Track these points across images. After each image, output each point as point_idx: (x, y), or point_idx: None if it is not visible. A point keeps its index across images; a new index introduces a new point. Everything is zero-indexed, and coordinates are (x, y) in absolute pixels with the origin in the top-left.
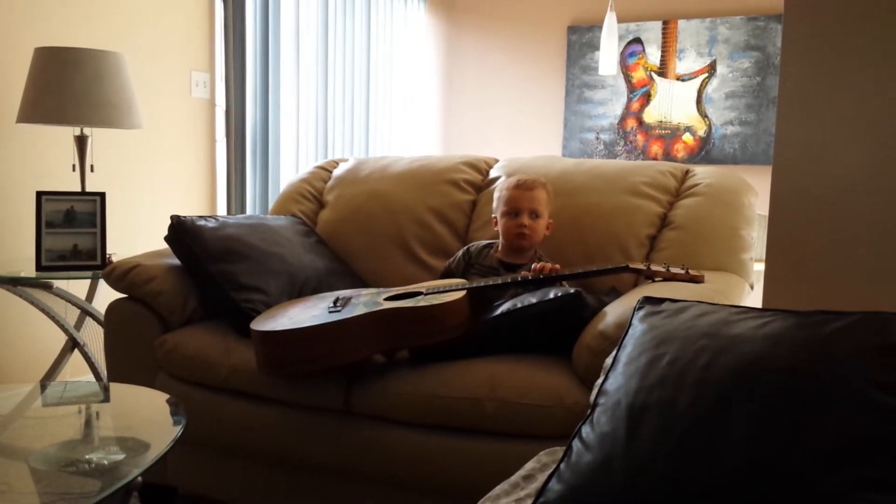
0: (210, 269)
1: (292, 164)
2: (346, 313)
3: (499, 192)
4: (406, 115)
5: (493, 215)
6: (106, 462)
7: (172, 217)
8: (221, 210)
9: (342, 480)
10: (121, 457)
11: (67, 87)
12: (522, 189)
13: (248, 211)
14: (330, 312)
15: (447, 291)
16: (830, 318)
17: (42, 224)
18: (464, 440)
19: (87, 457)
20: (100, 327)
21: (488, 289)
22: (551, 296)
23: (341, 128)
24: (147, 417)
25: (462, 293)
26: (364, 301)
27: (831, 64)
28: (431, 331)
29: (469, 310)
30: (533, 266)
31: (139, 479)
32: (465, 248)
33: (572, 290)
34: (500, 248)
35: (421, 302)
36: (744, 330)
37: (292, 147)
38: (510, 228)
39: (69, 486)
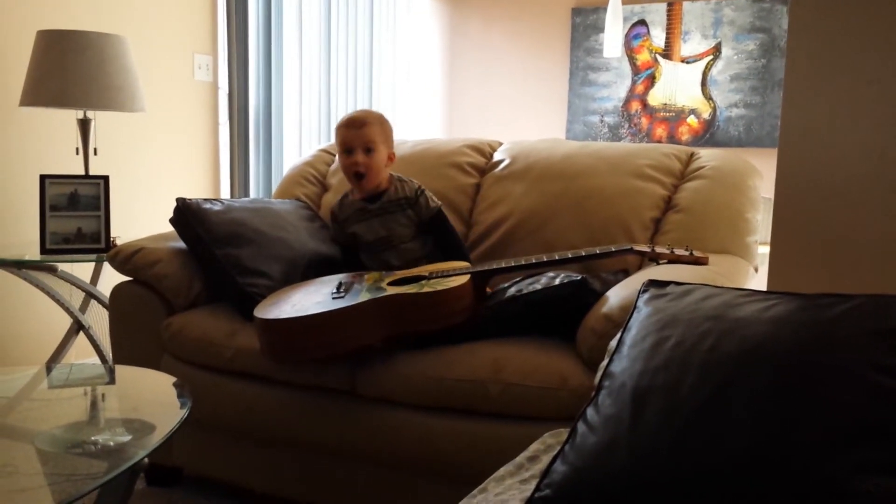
0: (215, 253)
1: (295, 147)
2: (350, 300)
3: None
4: (409, 98)
5: None
6: (112, 443)
7: (178, 200)
8: (224, 193)
9: (346, 462)
10: (127, 438)
11: (70, 71)
12: (351, 128)
13: (252, 194)
14: (333, 299)
15: (451, 275)
16: (834, 301)
17: (46, 207)
18: (468, 422)
19: (93, 438)
20: (105, 310)
21: (493, 272)
22: (557, 282)
23: (344, 111)
24: (153, 399)
25: (466, 277)
26: (367, 286)
27: (838, 46)
28: (436, 316)
29: (473, 293)
30: None
31: (145, 460)
32: (331, 214)
33: (578, 277)
34: (352, 190)
35: (425, 287)
36: (748, 313)
37: (295, 130)
38: (347, 167)
39: (75, 468)
